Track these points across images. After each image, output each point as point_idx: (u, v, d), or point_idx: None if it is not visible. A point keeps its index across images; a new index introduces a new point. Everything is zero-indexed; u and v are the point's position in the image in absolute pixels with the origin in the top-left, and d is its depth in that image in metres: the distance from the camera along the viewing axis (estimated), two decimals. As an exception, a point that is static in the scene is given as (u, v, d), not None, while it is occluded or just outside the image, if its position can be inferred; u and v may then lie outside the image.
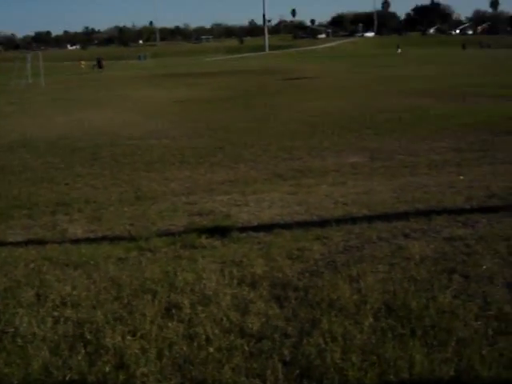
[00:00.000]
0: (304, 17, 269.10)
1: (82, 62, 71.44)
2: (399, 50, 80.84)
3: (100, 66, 68.40)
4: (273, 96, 25.82)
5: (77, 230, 6.81)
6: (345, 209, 6.78)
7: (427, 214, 5.96)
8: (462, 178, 8.27)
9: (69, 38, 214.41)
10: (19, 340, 3.70)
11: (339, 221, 6.11)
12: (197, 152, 12.47)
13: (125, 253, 5.60)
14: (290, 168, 10.32)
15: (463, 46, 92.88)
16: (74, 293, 4.47)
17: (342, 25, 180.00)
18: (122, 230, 6.63)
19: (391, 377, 3.09)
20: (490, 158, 10.02)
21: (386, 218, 6.11)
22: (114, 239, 6.25)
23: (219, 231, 6.11)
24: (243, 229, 6.20)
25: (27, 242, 6.27)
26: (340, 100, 22.34)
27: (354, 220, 6.12)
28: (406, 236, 5.36)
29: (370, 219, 6.10)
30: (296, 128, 15.37)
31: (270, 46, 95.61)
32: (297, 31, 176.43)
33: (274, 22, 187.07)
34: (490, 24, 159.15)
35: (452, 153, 10.82)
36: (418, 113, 17.06)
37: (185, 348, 3.50)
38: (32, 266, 5.25)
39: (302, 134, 14.38)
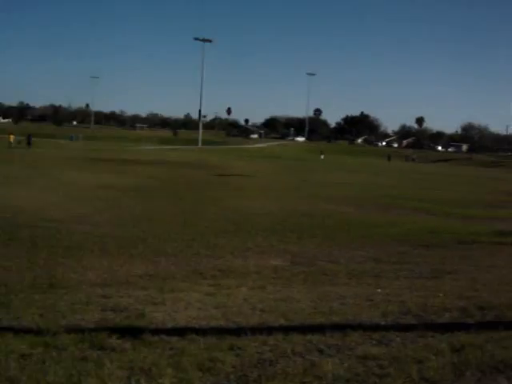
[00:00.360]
0: (238, 116, 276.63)
1: (11, 136, 70.40)
2: (322, 156, 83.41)
3: (29, 142, 67.64)
4: (201, 191, 26.02)
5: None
6: (262, 316, 6.69)
7: (343, 328, 5.93)
8: (379, 290, 8.37)
9: (2, 110, 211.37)
10: None
11: (255, 330, 5.99)
12: (118, 241, 12.27)
13: (29, 348, 5.27)
14: (212, 266, 10.24)
15: (388, 158, 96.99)
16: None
17: (275, 127, 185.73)
18: (30, 321, 6.28)
19: None
20: (407, 272, 10.22)
21: (302, 329, 6.04)
22: (20, 331, 5.90)
23: (131, 332, 5.87)
24: (156, 331, 5.98)
25: None
26: (266, 201, 22.72)
27: (270, 330, 6.01)
28: (321, 352, 5.29)
29: (286, 330, 6.02)
30: (221, 225, 15.44)
31: (203, 140, 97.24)
32: (230, 129, 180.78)
33: (209, 118, 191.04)
34: (414, 139, 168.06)
35: (371, 263, 11.02)
36: (340, 219, 17.49)
37: None
38: None
39: (227, 232, 14.43)
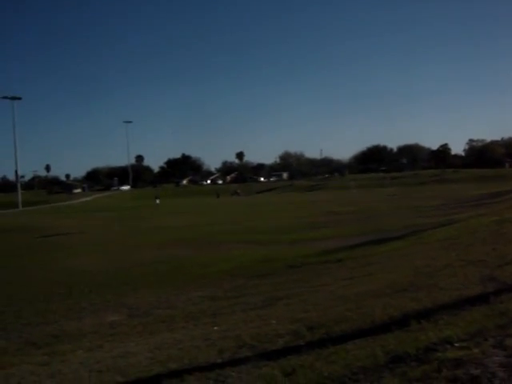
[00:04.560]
0: (59, 172, 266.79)
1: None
2: (158, 201, 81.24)
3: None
4: (26, 256, 24.71)
5: None
6: (99, 378, 6.50)
7: (180, 373, 5.95)
8: (216, 328, 8.49)
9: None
10: None
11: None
12: None
13: None
14: (45, 334, 9.81)
15: (217, 195, 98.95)
16: None
17: (98, 179, 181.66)
18: None
19: None
20: (243, 305, 10.47)
21: (138, 383, 5.99)
22: None
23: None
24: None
25: None
26: (97, 256, 22.16)
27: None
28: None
29: (120, 387, 5.93)
30: (51, 289, 14.79)
31: (23, 202, 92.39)
32: (52, 186, 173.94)
33: (27, 178, 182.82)
34: (237, 173, 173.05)
35: (208, 302, 11.14)
36: (175, 263, 17.53)
37: None
38: None
39: (58, 295, 13.87)
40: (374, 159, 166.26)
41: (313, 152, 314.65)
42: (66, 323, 10.58)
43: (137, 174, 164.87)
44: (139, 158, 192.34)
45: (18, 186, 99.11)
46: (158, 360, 6.90)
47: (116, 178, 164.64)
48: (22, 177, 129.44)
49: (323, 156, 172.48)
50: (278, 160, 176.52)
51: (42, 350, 8.70)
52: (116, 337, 9.03)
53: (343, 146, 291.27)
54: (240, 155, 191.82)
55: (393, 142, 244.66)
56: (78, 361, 7.59)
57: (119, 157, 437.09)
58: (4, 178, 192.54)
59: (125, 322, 10.19)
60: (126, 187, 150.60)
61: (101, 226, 41.39)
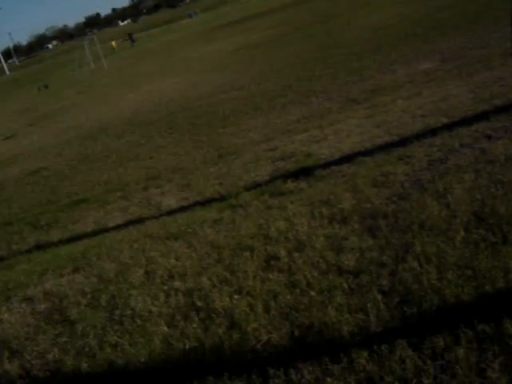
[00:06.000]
0: None
1: (113, 42, 72.64)
2: None
3: (132, 40, 70.02)
4: (329, 20, 25.20)
5: (170, 201, 7.03)
6: (424, 121, 6.64)
7: (507, 109, 5.74)
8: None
9: (118, 14, 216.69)
10: (138, 320, 3.95)
11: (419, 136, 6.00)
12: (267, 96, 12.45)
13: (218, 214, 5.75)
14: (363, 90, 10.12)
15: None
16: (179, 264, 4.67)
17: None
18: (212, 192, 6.78)
19: (487, 288, 3.09)
20: None
21: (466, 122, 5.94)
22: (206, 202, 6.41)
23: (303, 172, 6.16)
24: (326, 165, 6.21)
25: (127, 224, 6.58)
26: (398, 6, 21.46)
27: (434, 132, 5.99)
28: (489, 137, 5.20)
29: (450, 127, 5.95)
30: (360, 47, 14.98)
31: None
32: None
33: None
34: None
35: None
36: (480, 1, 16.07)
37: (288, 296, 3.63)
38: (136, 246, 5.51)
39: (368, 51, 14.00)
40: None
41: None
42: (381, 77, 10.72)
43: None
44: None
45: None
46: (481, 99, 6.73)
47: None
48: None
49: None
50: None
51: (362, 105, 9.05)
52: (432, 83, 8.92)
53: None
54: None
55: None
56: (399, 109, 7.79)
57: None
58: None
59: (439, 67, 9.95)
60: None
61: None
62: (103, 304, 4.38)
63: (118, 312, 4.16)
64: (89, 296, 4.62)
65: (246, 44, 26.39)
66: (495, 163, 4.56)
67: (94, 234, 6.62)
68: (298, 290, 3.65)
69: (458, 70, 9.21)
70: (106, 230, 6.62)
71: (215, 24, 54.55)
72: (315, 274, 3.77)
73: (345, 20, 22.90)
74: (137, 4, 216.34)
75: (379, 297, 3.28)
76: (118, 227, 6.57)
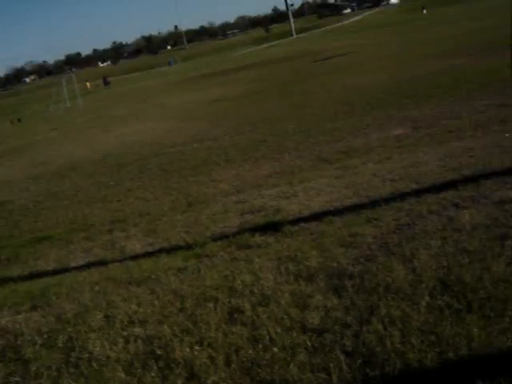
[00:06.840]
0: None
1: (87, 83, 73.88)
2: (424, 11, 78.69)
3: (106, 83, 71.31)
4: (306, 80, 25.73)
5: (135, 246, 6.97)
6: (393, 186, 6.74)
7: (475, 179, 5.87)
8: (507, 135, 8.09)
9: (99, 55, 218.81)
10: (95, 364, 3.85)
11: (388, 199, 6.08)
12: (240, 149, 12.58)
13: (183, 262, 5.71)
14: (334, 151, 10.28)
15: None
16: (140, 310, 4.60)
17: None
18: (178, 239, 6.73)
19: (450, 355, 3.09)
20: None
21: (434, 189, 6.06)
22: (171, 250, 6.35)
23: (271, 227, 6.17)
24: (295, 221, 6.24)
25: (89, 265, 6.48)
26: (373, 73, 22.04)
27: (403, 196, 6.08)
28: (456, 206, 5.30)
29: (418, 193, 6.06)
30: (334, 109, 15.29)
31: (296, 29, 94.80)
32: (321, 10, 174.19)
33: (296, 6, 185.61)
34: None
35: (495, 110, 10.55)
36: (454, 74, 16.63)
37: (250, 351, 3.58)
38: (97, 288, 5.41)
39: (341, 113, 14.30)
40: None
41: None
42: (353, 140, 10.92)
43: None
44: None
45: (290, 14, 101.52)
46: (450, 168, 6.87)
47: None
48: (292, 5, 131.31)
49: None
50: None
51: (333, 165, 9.18)
52: (403, 149, 9.12)
53: None
54: None
55: None
56: (369, 172, 7.91)
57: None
58: (275, 9, 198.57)
59: (410, 134, 10.19)
60: (394, 0, 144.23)
61: (374, 44, 40.79)
62: (60, 345, 4.26)
63: (74, 354, 4.05)
64: (45, 336, 4.50)
65: (223, 96, 26.72)
66: (462, 231, 4.64)
67: (55, 272, 6.50)
68: (260, 345, 3.60)
69: (428, 138, 9.44)
70: (68, 269, 6.51)
71: (195, 74, 55.23)
72: (279, 330, 3.73)
73: (322, 81, 23.40)
74: (118, 47, 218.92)
75: (342, 357, 3.25)
76: (79, 268, 6.46)
